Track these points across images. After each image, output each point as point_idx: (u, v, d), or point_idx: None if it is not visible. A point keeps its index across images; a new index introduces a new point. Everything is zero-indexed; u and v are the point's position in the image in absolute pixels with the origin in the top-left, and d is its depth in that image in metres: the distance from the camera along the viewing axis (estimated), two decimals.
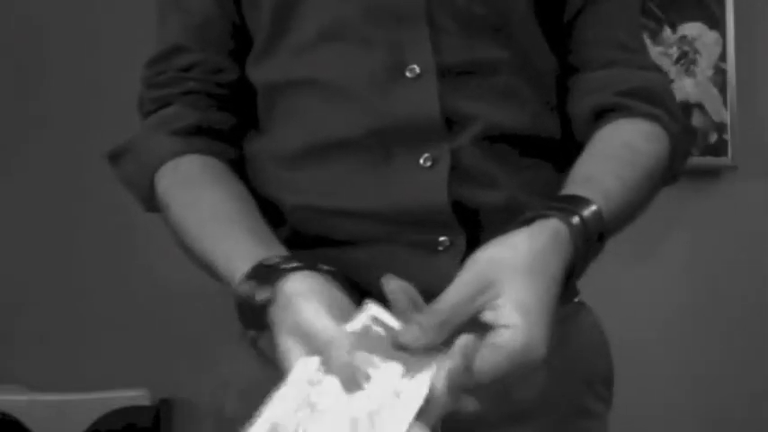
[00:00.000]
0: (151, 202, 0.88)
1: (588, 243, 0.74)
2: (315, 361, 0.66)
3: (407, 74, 0.83)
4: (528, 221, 0.73)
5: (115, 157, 0.91)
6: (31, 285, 1.98)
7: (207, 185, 0.85)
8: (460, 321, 0.67)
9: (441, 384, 0.63)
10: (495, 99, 0.85)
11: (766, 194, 2.10)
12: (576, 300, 0.93)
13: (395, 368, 0.65)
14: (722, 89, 2.04)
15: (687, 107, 2.02)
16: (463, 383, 0.64)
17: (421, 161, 0.82)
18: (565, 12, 0.91)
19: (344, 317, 0.68)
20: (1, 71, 1.99)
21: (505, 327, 0.66)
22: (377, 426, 0.63)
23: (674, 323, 2.06)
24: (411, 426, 0.62)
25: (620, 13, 0.92)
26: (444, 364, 0.64)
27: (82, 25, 1.99)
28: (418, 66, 0.83)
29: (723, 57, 2.04)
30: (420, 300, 0.69)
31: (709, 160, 2.04)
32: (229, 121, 0.91)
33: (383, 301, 0.69)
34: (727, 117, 2.04)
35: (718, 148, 2.04)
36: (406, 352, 0.66)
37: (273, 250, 0.77)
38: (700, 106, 2.04)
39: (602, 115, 0.88)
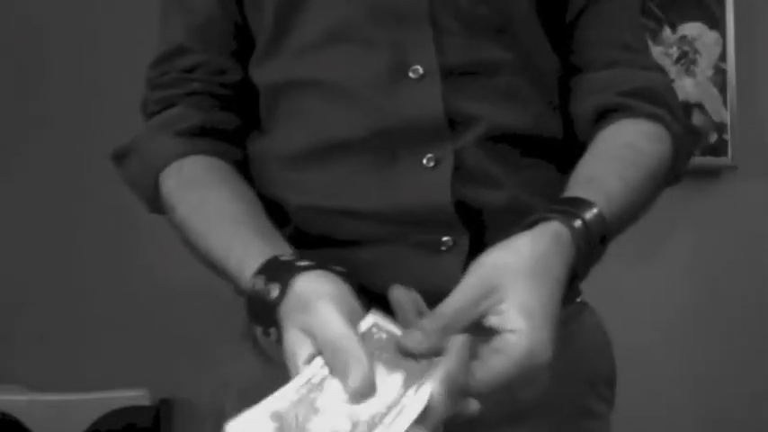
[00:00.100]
0: (156, 202, 0.88)
1: (590, 245, 0.74)
2: (320, 361, 0.66)
3: (411, 75, 0.83)
4: (530, 225, 0.73)
5: (119, 158, 0.91)
6: (31, 285, 1.98)
7: (212, 186, 0.85)
8: (464, 326, 0.67)
9: (439, 388, 0.63)
10: (498, 99, 0.85)
11: (766, 194, 2.10)
12: (579, 300, 0.93)
13: (396, 375, 0.65)
14: (722, 89, 2.04)
15: (687, 107, 2.02)
16: (462, 385, 0.64)
17: (424, 161, 0.82)
18: (567, 12, 0.91)
19: (354, 320, 0.68)
20: (1, 71, 1.99)
21: (510, 331, 0.66)
22: (377, 430, 0.63)
23: (676, 323, 2.06)
24: (410, 430, 0.62)
25: (622, 14, 0.92)
26: (440, 367, 0.64)
27: (82, 25, 1.99)
28: (422, 66, 0.83)
29: (723, 57, 2.04)
30: (425, 308, 0.68)
31: (710, 160, 2.04)
32: (233, 122, 0.91)
33: (388, 302, 0.68)
34: (727, 117, 2.04)
35: (718, 148, 2.04)
36: (409, 358, 0.65)
37: (283, 249, 0.77)
38: (700, 106, 2.04)
39: (604, 115, 0.88)
